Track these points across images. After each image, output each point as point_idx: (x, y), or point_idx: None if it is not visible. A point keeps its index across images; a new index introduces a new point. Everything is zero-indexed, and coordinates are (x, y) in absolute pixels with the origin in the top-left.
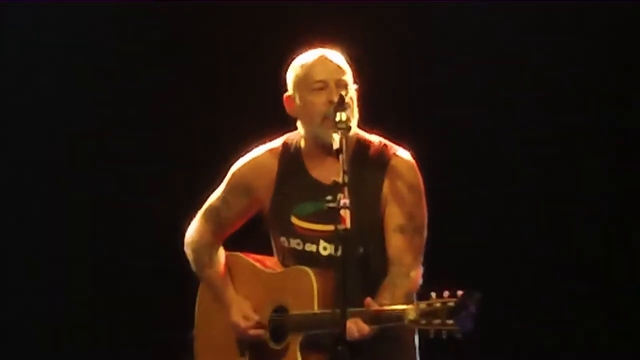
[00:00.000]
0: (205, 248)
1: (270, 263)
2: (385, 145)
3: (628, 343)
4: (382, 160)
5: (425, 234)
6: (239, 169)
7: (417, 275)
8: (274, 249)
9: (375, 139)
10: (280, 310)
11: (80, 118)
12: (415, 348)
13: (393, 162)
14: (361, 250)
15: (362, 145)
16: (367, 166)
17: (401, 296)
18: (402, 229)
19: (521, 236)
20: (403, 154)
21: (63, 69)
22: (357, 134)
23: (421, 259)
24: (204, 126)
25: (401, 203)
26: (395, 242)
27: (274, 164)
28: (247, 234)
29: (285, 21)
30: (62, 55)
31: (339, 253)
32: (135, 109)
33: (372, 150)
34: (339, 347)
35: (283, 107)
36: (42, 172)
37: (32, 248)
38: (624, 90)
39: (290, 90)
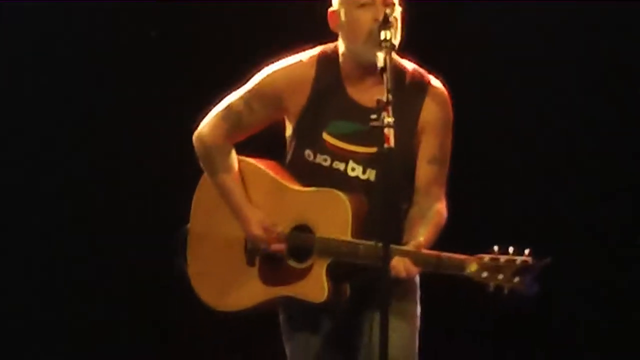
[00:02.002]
0: (219, 148)
1: (284, 175)
2: (420, 73)
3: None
4: (419, 88)
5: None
6: (270, 75)
7: (443, 207)
8: (288, 160)
9: (409, 65)
10: (302, 229)
11: (75, 116)
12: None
13: (430, 91)
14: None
15: (398, 71)
16: (404, 92)
17: (432, 231)
18: (434, 160)
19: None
20: (437, 84)
21: (55, 65)
22: (394, 58)
23: (445, 191)
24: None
25: (435, 133)
26: (426, 172)
27: (310, 75)
28: None
29: None
30: (53, 52)
31: (366, 176)
32: (131, 106)
33: (408, 76)
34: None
35: None
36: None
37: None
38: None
39: (335, 5)
